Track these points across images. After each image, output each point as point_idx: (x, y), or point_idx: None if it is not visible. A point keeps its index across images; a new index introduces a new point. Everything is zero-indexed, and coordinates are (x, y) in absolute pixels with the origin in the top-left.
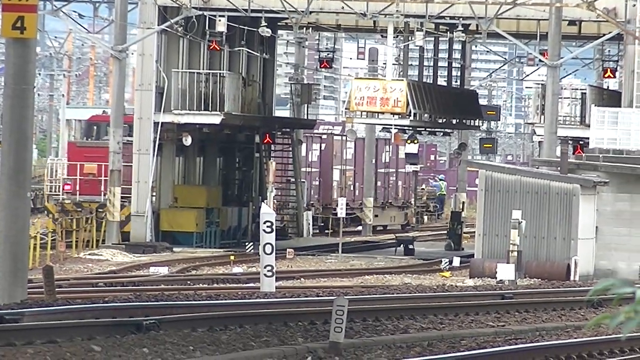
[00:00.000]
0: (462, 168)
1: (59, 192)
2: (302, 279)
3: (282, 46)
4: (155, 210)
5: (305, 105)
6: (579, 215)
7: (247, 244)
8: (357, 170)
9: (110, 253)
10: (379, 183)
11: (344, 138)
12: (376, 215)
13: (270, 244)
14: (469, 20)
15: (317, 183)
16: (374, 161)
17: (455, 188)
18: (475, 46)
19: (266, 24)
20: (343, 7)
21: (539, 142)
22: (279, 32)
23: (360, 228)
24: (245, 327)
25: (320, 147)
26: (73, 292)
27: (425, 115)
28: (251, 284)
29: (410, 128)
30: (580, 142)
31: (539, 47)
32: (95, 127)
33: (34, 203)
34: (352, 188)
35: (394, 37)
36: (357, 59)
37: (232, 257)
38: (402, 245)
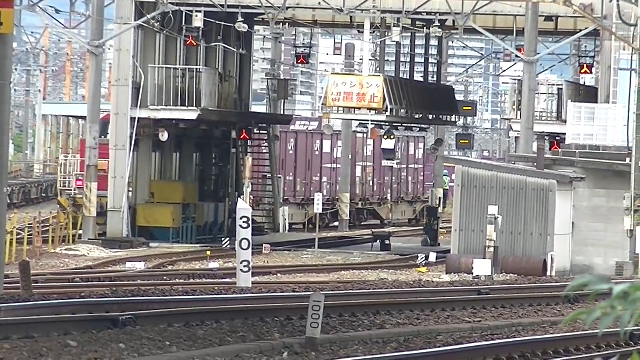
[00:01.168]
0: (439, 164)
1: (71, 187)
2: (278, 275)
3: (258, 42)
4: (132, 206)
5: (282, 100)
6: (555, 211)
7: (223, 239)
8: (376, 167)
9: (86, 248)
10: (393, 179)
11: (364, 136)
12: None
13: (247, 240)
14: (446, 16)
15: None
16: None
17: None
18: (452, 42)
19: (243, 19)
20: (320, 3)
21: (516, 137)
22: (256, 27)
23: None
24: (222, 322)
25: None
26: (49, 288)
27: (402, 110)
28: (227, 280)
29: (387, 124)
30: (557, 138)
31: (516, 42)
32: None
33: (11, 198)
34: (371, 184)
35: (370, 32)
36: (334, 54)
37: (208, 253)
38: (378, 241)
